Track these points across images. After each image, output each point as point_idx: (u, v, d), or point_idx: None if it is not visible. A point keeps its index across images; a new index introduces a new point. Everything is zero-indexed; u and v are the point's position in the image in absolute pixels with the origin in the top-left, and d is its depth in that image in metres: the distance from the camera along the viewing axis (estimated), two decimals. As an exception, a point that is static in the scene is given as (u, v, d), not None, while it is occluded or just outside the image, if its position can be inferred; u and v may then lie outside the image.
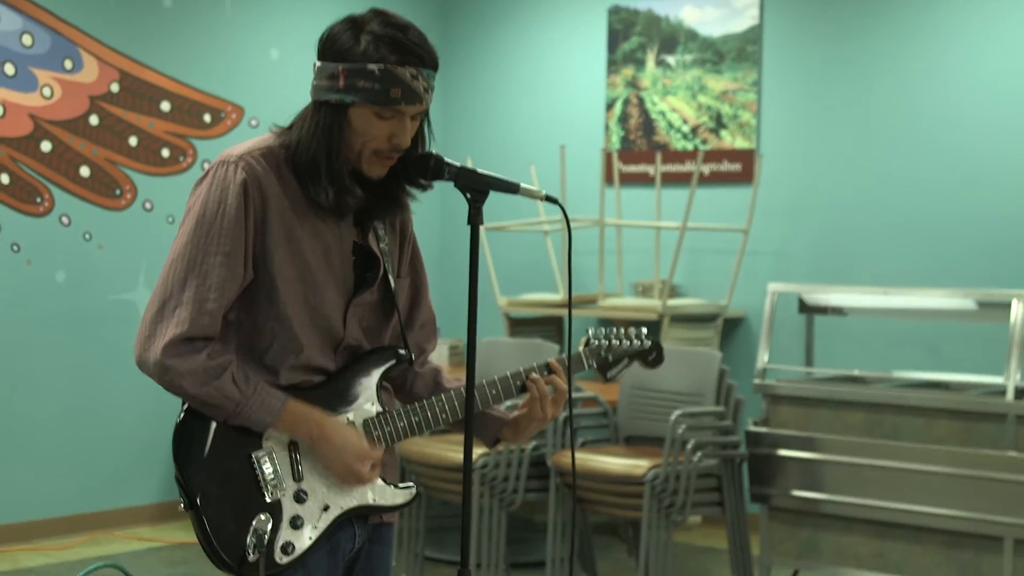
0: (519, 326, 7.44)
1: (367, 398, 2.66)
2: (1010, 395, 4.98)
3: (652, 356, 2.95)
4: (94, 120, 6.85)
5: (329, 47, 2.55)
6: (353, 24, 2.55)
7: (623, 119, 7.62)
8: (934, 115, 6.69)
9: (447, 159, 2.60)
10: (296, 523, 2.56)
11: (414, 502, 2.74)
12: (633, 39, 7.57)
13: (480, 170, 2.58)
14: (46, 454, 6.64)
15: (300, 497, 2.57)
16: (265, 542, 2.51)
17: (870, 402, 5.30)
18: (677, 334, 6.82)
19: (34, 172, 6.64)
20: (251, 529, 2.51)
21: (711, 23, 7.31)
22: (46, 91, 6.67)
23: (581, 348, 2.89)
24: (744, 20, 7.19)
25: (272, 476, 2.55)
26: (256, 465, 2.56)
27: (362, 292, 2.67)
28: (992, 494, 4.97)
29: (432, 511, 6.79)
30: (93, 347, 6.74)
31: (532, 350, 6.03)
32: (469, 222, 2.53)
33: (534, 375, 2.76)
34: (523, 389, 2.76)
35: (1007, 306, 5.15)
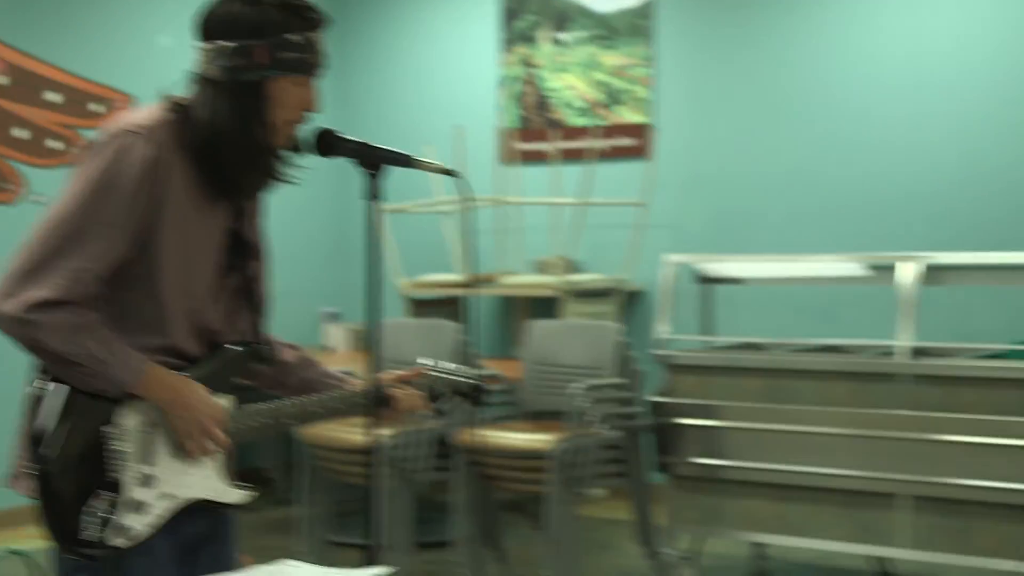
0: (421, 307, 7.43)
1: (223, 392, 2.64)
2: (901, 355, 5.07)
3: (474, 395, 2.96)
4: (-20, 112, 6.74)
5: (231, 26, 2.52)
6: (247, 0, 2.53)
7: (518, 97, 7.64)
8: (825, 86, 6.79)
9: (343, 134, 2.61)
10: (138, 507, 2.50)
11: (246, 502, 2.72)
12: (526, 17, 7.59)
13: (376, 144, 2.58)
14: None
15: (146, 481, 2.52)
16: (103, 521, 2.46)
17: (767, 368, 5.36)
18: (578, 309, 6.86)
19: (-80, 166, 6.52)
20: (91, 506, 2.46)
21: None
22: (-70, 84, 6.55)
23: (415, 375, 2.89)
24: (634, -5, 7.24)
25: (122, 456, 2.49)
26: (105, 441, 2.49)
27: (229, 277, 2.65)
28: (887, 453, 5.06)
29: (337, 495, 6.78)
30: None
31: (433, 331, 6.03)
32: (368, 198, 2.53)
33: (397, 392, 2.80)
34: (356, 406, 2.76)
35: (894, 269, 5.24)
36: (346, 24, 8.25)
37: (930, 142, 6.59)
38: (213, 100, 2.53)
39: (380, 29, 8.19)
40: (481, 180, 7.39)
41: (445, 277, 7.39)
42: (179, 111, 2.55)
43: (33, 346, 2.45)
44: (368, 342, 2.52)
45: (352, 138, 2.60)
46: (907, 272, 5.17)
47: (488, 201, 7.20)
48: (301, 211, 7.76)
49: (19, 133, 6.87)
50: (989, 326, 6.22)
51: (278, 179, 2.63)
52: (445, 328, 6.06)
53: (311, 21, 2.54)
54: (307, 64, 2.53)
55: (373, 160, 2.56)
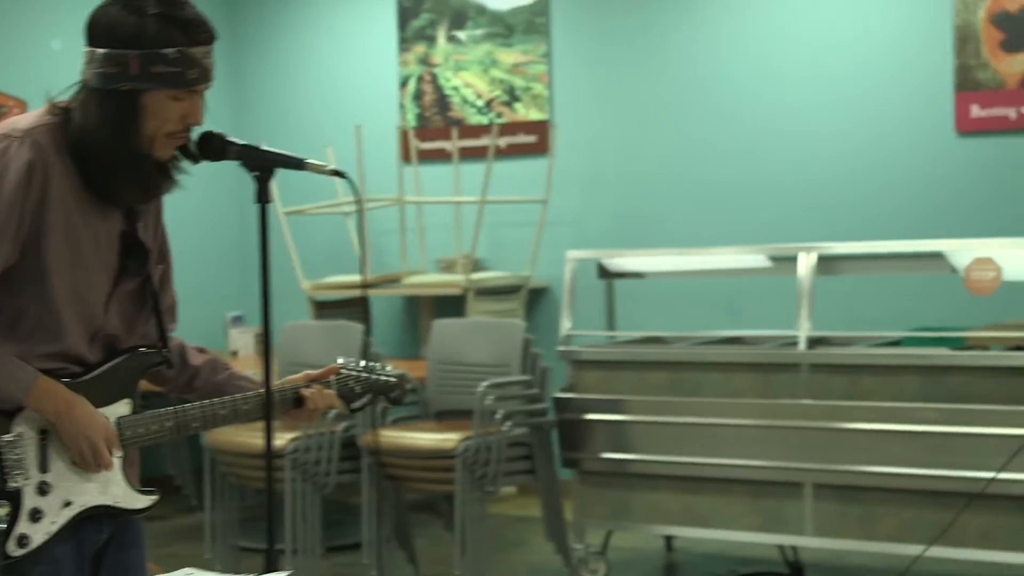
0: (325, 309, 7.39)
1: (122, 396, 2.62)
2: (802, 345, 5.14)
3: (395, 394, 2.95)
4: None
5: (109, 33, 2.48)
6: (130, 7, 2.48)
7: (417, 96, 7.62)
8: (721, 80, 6.86)
9: (230, 137, 2.58)
10: (35, 516, 2.48)
11: (151, 508, 2.68)
12: (423, 16, 7.58)
13: (265, 147, 2.56)
14: None
15: (43, 489, 2.50)
16: (0, 531, 2.44)
17: (671, 361, 5.41)
18: (482, 307, 6.86)
19: None
20: None
21: (499, -4, 7.37)
22: None
23: (334, 378, 2.86)
24: (531, -8, 7.26)
25: (16, 463, 2.47)
26: (2, 451, 2.46)
27: (124, 281, 2.62)
28: (791, 442, 5.13)
29: (245, 501, 6.73)
30: None
31: (338, 332, 6.00)
32: (257, 201, 2.50)
33: (304, 391, 2.77)
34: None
35: (795, 260, 5.31)
36: (242, 25, 8.18)
37: (825, 134, 6.68)
38: (88, 106, 2.50)
39: (277, 29, 8.14)
40: (383, 180, 7.37)
41: (348, 278, 7.35)
42: (60, 115, 2.53)
43: None
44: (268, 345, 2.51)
45: (238, 141, 2.57)
46: (803, 263, 5.24)
47: (389, 200, 7.18)
48: (204, 214, 7.68)
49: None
50: (884, 314, 6.32)
51: (158, 187, 2.60)
52: (349, 329, 6.04)
53: (193, 36, 2.49)
54: (182, 79, 2.47)
55: (260, 163, 2.53)
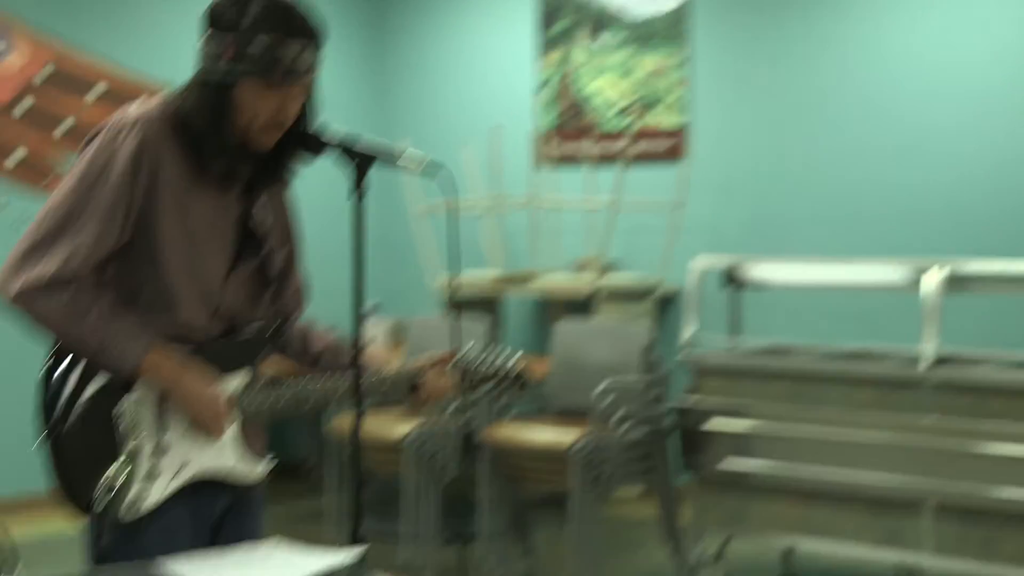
0: (458, 306, 7.47)
1: (239, 368, 2.71)
2: (927, 362, 5.07)
3: (518, 384, 2.95)
4: (26, 104, 6.85)
5: (216, 19, 2.56)
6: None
7: (555, 100, 7.68)
8: (865, 88, 6.79)
9: (330, 130, 2.62)
10: (151, 475, 2.58)
11: (269, 475, 2.78)
12: (563, 20, 7.63)
13: (362, 140, 2.59)
14: (8, 433, 6.62)
15: (160, 451, 2.60)
16: (115, 490, 2.53)
17: (794, 372, 5.38)
18: (612, 310, 6.89)
19: (-34, 158, 6.64)
20: (104, 475, 2.53)
21: (639, 3, 7.38)
22: (-23, 76, 6.68)
23: (451, 365, 2.90)
24: (673, -1, 7.27)
25: (134, 425, 2.57)
26: (120, 410, 2.58)
27: (243, 262, 2.71)
28: (913, 459, 5.06)
29: (373, 488, 6.85)
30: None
31: (467, 328, 6.06)
32: (353, 193, 2.53)
33: (426, 379, 2.83)
34: (388, 390, 2.81)
35: (922, 275, 5.24)
36: (386, 26, 8.32)
37: (964, 149, 6.57)
38: (191, 93, 2.60)
39: (420, 32, 8.26)
40: (517, 181, 7.44)
41: (481, 276, 7.44)
42: (172, 103, 2.63)
43: (38, 324, 2.55)
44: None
45: (338, 134, 2.61)
46: (933, 278, 5.17)
47: (522, 202, 7.25)
48: (344, 208, 7.81)
49: (64, 126, 6.98)
50: (1018, 334, 6.20)
51: (263, 175, 2.68)
52: (477, 326, 6.12)
53: (290, 30, 2.53)
54: (273, 70, 2.52)
55: (357, 155, 2.55)
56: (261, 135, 2.58)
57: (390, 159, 2.59)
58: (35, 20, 6.87)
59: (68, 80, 6.99)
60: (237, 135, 2.58)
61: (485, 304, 7.56)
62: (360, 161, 2.55)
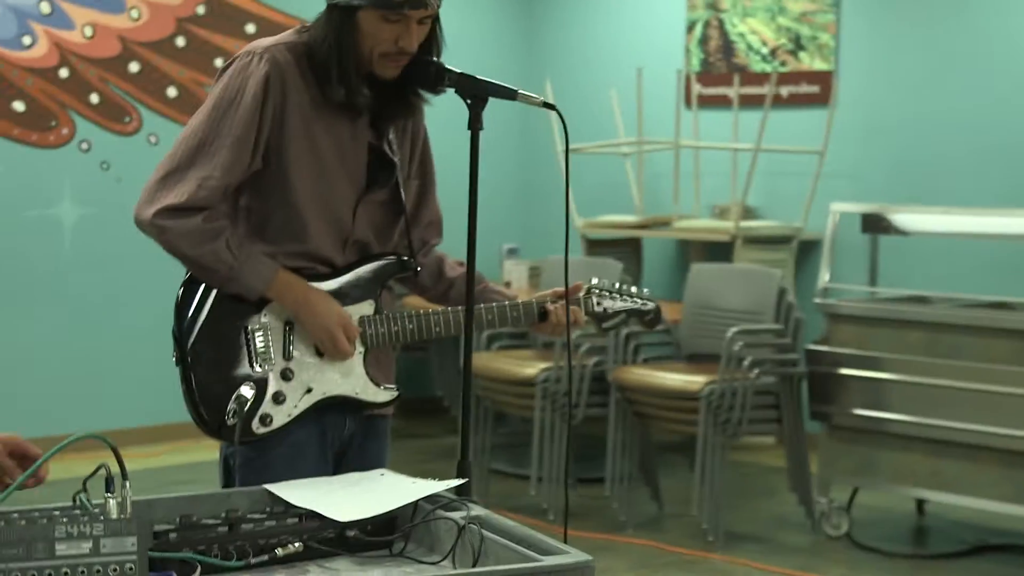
0: (597, 247, 7.49)
1: (366, 297, 2.76)
2: (1068, 315, 4.95)
3: (649, 317, 2.99)
4: (180, 41, 7.02)
5: None
6: None
7: (703, 41, 7.60)
8: (1014, 33, 6.59)
9: (448, 66, 2.67)
10: (278, 398, 2.66)
11: (394, 402, 2.82)
12: (714, -40, 7.54)
13: (479, 77, 2.62)
14: (140, 365, 6.85)
15: (286, 375, 2.68)
16: (245, 410, 2.62)
17: (929, 321, 5.29)
18: (751, 255, 6.83)
19: (122, 92, 6.84)
20: (234, 395, 2.62)
21: (790, -57, 7.26)
22: (134, 12, 6.86)
23: (582, 295, 2.94)
24: (824, -60, 7.13)
25: (263, 349, 2.66)
26: (248, 336, 2.67)
27: (373, 191, 2.77)
28: (1048, 414, 4.95)
29: (504, 427, 6.95)
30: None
31: (604, 268, 6.08)
32: (469, 127, 2.55)
33: (549, 306, 2.86)
34: (516, 319, 2.85)
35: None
36: (537, -36, 8.32)
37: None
38: (320, 23, 2.67)
39: (571, -30, 8.24)
40: (662, 124, 7.40)
41: (622, 218, 7.43)
42: (302, 33, 2.70)
43: (168, 249, 2.65)
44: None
45: (455, 70, 2.64)
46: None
47: (666, 144, 7.21)
48: (486, 148, 7.86)
49: (217, 62, 7.14)
50: None
51: (392, 104, 2.73)
52: (613, 267, 6.13)
53: None
54: (392, 2, 2.57)
55: (475, 92, 2.58)
56: (384, 64, 2.64)
57: (507, 95, 2.61)
58: (189, -42, 7.02)
59: (220, 18, 7.14)
60: (360, 63, 2.65)
61: (626, 246, 7.55)
62: (474, 97, 2.57)
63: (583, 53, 8.17)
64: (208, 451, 6.77)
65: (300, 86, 2.65)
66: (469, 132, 2.57)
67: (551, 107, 2.65)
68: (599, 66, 8.03)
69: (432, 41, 2.70)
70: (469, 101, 2.57)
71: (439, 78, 2.66)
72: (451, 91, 2.68)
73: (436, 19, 2.68)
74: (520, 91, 2.63)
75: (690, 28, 7.65)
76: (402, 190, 2.81)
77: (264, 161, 2.66)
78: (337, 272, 2.74)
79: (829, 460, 5.55)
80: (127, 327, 6.86)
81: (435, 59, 2.70)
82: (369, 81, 2.68)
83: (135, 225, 2.66)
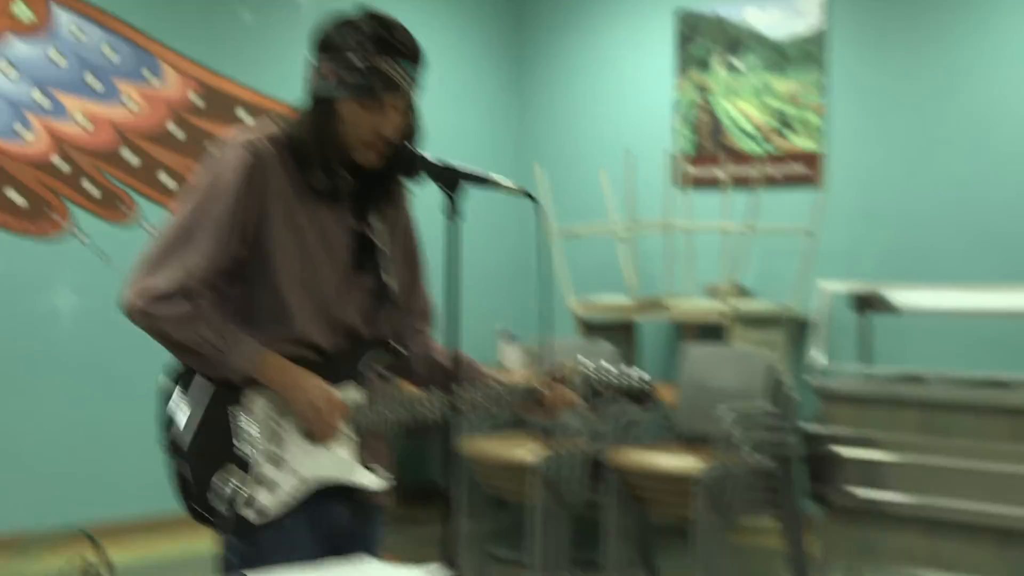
0: (592, 329, 7.51)
1: (355, 383, 2.77)
2: (1061, 393, 4.96)
3: (641, 395, 2.95)
4: (176, 130, 7.07)
5: (319, 44, 2.69)
6: (343, 22, 2.68)
7: (692, 122, 7.67)
8: (1004, 113, 6.64)
9: (424, 153, 2.69)
10: (270, 485, 2.65)
11: (388, 491, 2.82)
12: (700, 42, 7.62)
13: (456, 164, 2.63)
14: (136, 454, 6.82)
15: (276, 460, 2.67)
16: (235, 499, 2.61)
17: (925, 400, 5.30)
18: (746, 336, 6.85)
19: (119, 182, 6.88)
20: (223, 483, 2.61)
21: (775, 25, 7.34)
22: (129, 103, 6.91)
23: (574, 376, 2.92)
24: (808, 21, 7.21)
25: (252, 436, 2.66)
26: (236, 423, 2.67)
27: (358, 276, 2.79)
28: (1044, 492, 4.95)
29: (504, 512, 6.91)
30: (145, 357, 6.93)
31: (591, 352, 6.10)
32: (447, 216, 2.57)
33: (547, 392, 2.86)
34: (508, 402, 2.85)
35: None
36: (523, 48, 8.40)
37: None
38: (301, 115, 2.72)
39: (558, 55, 8.32)
40: (652, 204, 7.45)
41: (616, 299, 7.45)
42: (280, 122, 2.75)
43: (155, 334, 2.65)
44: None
45: (431, 157, 2.67)
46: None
47: (657, 225, 7.25)
48: (480, 231, 7.91)
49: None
50: None
51: (371, 190, 2.76)
52: (606, 349, 6.14)
53: (385, 50, 2.63)
54: (370, 90, 2.63)
55: (451, 179, 2.60)
56: (365, 152, 2.69)
57: (482, 183, 2.64)
58: (183, 49, 7.08)
59: (214, 106, 7.20)
60: (342, 152, 2.68)
61: (620, 328, 7.57)
62: (451, 183, 2.60)
63: (573, 135, 8.23)
64: (205, 540, 6.74)
65: (280, 173, 2.69)
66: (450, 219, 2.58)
67: (527, 194, 2.70)
68: (589, 148, 8.09)
69: (410, 126, 2.74)
70: (447, 190, 2.59)
71: (413, 165, 2.69)
72: None
73: (412, 106, 2.72)
74: (495, 178, 2.66)
75: (678, 109, 7.72)
76: (388, 275, 2.83)
77: (248, 247, 2.68)
78: (325, 358, 2.75)
79: (828, 542, 5.54)
80: (123, 415, 6.84)
81: (410, 146, 2.72)
82: (351, 168, 2.72)
83: (122, 312, 2.67)
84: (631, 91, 7.99)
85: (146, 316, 2.63)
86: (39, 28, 6.64)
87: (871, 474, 5.37)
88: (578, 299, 7.49)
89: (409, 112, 2.72)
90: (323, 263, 2.73)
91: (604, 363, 2.97)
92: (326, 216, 2.73)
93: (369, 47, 2.62)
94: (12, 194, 6.56)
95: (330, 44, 2.67)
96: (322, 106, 2.67)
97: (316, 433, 2.69)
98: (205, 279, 2.64)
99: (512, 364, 7.66)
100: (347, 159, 2.70)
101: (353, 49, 2.63)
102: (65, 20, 6.71)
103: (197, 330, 2.62)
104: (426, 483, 7.52)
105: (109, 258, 6.83)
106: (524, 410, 2.91)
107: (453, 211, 2.58)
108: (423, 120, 2.77)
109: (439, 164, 2.65)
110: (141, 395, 6.73)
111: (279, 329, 2.70)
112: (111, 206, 6.87)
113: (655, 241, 7.50)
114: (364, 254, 2.79)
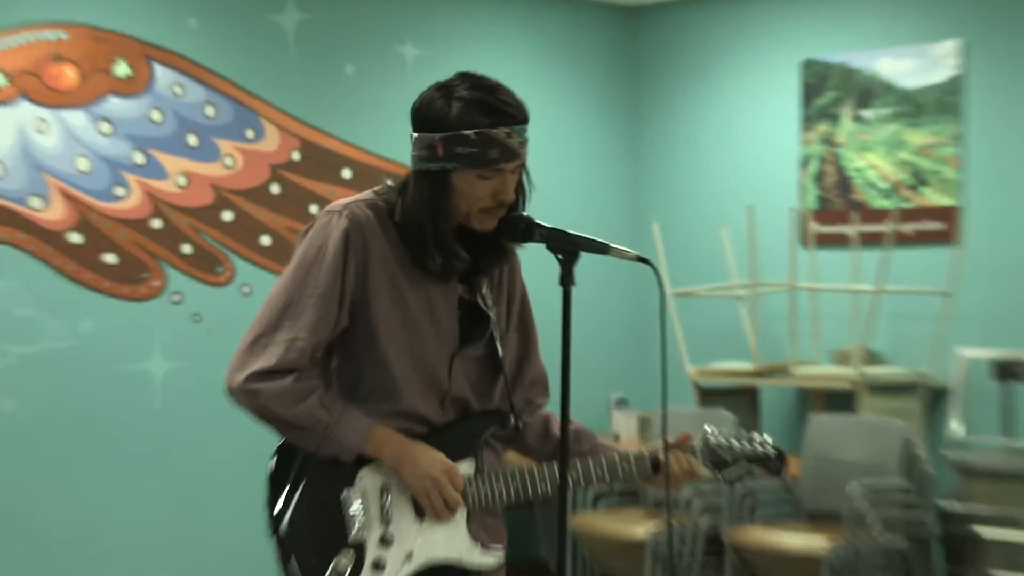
0: (711, 396, 7.14)
1: (466, 456, 2.70)
2: None
3: (772, 463, 2.82)
4: (275, 189, 6.89)
5: (423, 118, 2.64)
6: (442, 91, 2.63)
7: (819, 177, 7.29)
8: None
9: (538, 220, 2.64)
10: (378, 565, 2.60)
11: (503, 566, 2.75)
12: (828, 93, 7.25)
13: (571, 231, 2.59)
14: (234, 533, 6.55)
15: (386, 540, 2.62)
16: None
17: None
18: (876, 404, 6.42)
19: (215, 242, 6.70)
20: (331, 565, 2.58)
21: (908, 75, 6.94)
22: (228, 160, 6.75)
23: (698, 444, 2.82)
24: (944, 70, 6.80)
25: (359, 515, 2.62)
26: (344, 503, 2.62)
27: (467, 346, 2.73)
28: None
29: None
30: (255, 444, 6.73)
31: (710, 420, 5.74)
32: (561, 283, 2.53)
33: (662, 456, 2.76)
34: (627, 473, 2.77)
35: None
36: (639, 101, 8.12)
37: None
38: (408, 186, 2.67)
39: (678, 109, 8.02)
40: (776, 264, 7.07)
41: (736, 365, 7.08)
42: (383, 193, 2.72)
43: (261, 414, 2.63)
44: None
45: (546, 225, 2.62)
46: None
47: (781, 286, 6.88)
48: (597, 297, 7.60)
49: (313, 209, 6.98)
50: None
51: (484, 261, 2.72)
52: (726, 418, 5.83)
53: (495, 118, 2.58)
54: (484, 159, 2.58)
55: (565, 246, 2.56)
56: (482, 218, 2.64)
57: (598, 250, 2.58)
58: (284, 106, 6.92)
59: (315, 164, 7.01)
60: (457, 221, 2.65)
61: (740, 395, 7.19)
62: (565, 252, 2.55)
63: (692, 192, 7.91)
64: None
65: (382, 241, 2.66)
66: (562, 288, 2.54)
67: (645, 261, 2.61)
68: (709, 205, 7.75)
69: (521, 186, 2.68)
70: (560, 257, 2.55)
71: (529, 233, 2.63)
72: None
73: (524, 166, 2.66)
74: (612, 245, 2.59)
75: (804, 164, 7.35)
76: (499, 345, 2.76)
77: (351, 318, 2.66)
78: (434, 431, 2.70)
79: (968, 630, 5.09)
80: (220, 490, 6.60)
81: (524, 214, 2.68)
82: (460, 237, 2.65)
83: (227, 394, 2.66)
84: (754, 145, 7.65)
85: (249, 395, 2.61)
86: (138, 86, 6.51)
87: (1014, 556, 5.03)
88: (695, 365, 7.13)
89: (520, 170, 2.68)
90: (430, 334, 2.70)
91: (729, 431, 2.86)
92: (432, 283, 2.70)
93: (476, 115, 2.58)
94: (107, 255, 6.40)
95: (434, 115, 2.62)
96: (435, 179, 2.62)
97: (432, 507, 2.64)
98: (310, 352, 2.63)
99: (625, 433, 7.33)
100: (461, 225, 2.67)
101: (461, 119, 2.59)
102: (164, 77, 6.57)
103: (304, 406, 2.60)
104: (533, 559, 7.18)
105: (203, 319, 6.63)
106: (642, 479, 2.81)
107: (567, 278, 2.54)
108: (535, 179, 2.73)
109: (555, 231, 2.60)
110: (237, 465, 6.55)
111: (386, 403, 2.67)
112: (207, 266, 6.69)
113: (779, 303, 7.12)
114: (473, 324, 2.75)
